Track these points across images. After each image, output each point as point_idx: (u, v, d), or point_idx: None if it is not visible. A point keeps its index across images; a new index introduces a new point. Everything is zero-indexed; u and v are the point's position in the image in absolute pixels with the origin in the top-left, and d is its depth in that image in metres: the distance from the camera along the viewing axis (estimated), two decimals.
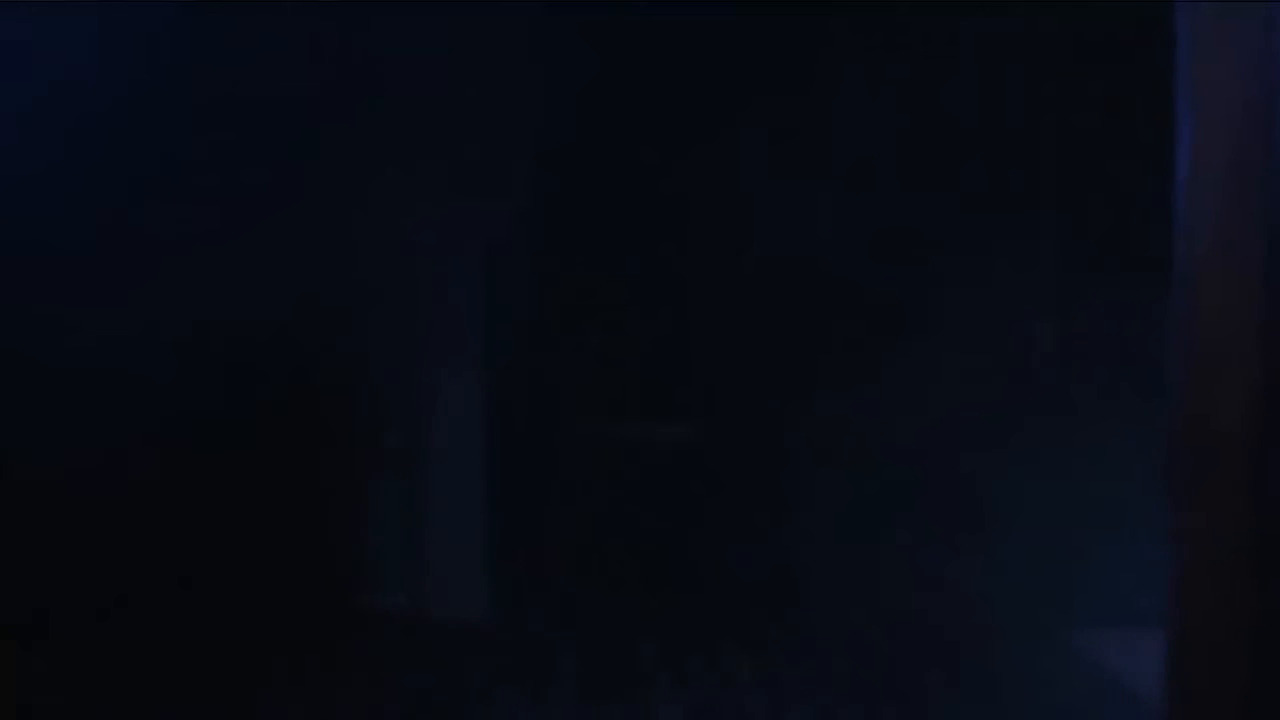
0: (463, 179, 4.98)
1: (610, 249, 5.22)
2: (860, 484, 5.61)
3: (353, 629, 4.93)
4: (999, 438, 4.23)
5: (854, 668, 4.45)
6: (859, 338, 5.61)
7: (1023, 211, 4.27)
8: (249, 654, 4.63)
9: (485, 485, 5.04)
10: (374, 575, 5.02)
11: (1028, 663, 3.98)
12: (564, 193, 5.14)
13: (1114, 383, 3.79)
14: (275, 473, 5.25)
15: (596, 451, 5.41)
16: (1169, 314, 3.03)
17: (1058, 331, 4.19)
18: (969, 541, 4.53)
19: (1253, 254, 2.95)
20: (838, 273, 5.84)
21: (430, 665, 4.52)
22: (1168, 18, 3.16)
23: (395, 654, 4.66)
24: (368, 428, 5.02)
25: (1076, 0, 3.83)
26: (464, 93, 4.98)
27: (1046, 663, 3.72)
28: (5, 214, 4.64)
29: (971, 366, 4.77)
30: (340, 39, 4.91)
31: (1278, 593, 1.65)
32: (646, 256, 5.34)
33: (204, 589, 5.11)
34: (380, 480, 5.02)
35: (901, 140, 4.77)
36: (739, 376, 8.61)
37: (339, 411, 5.05)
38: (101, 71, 4.80)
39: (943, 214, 4.46)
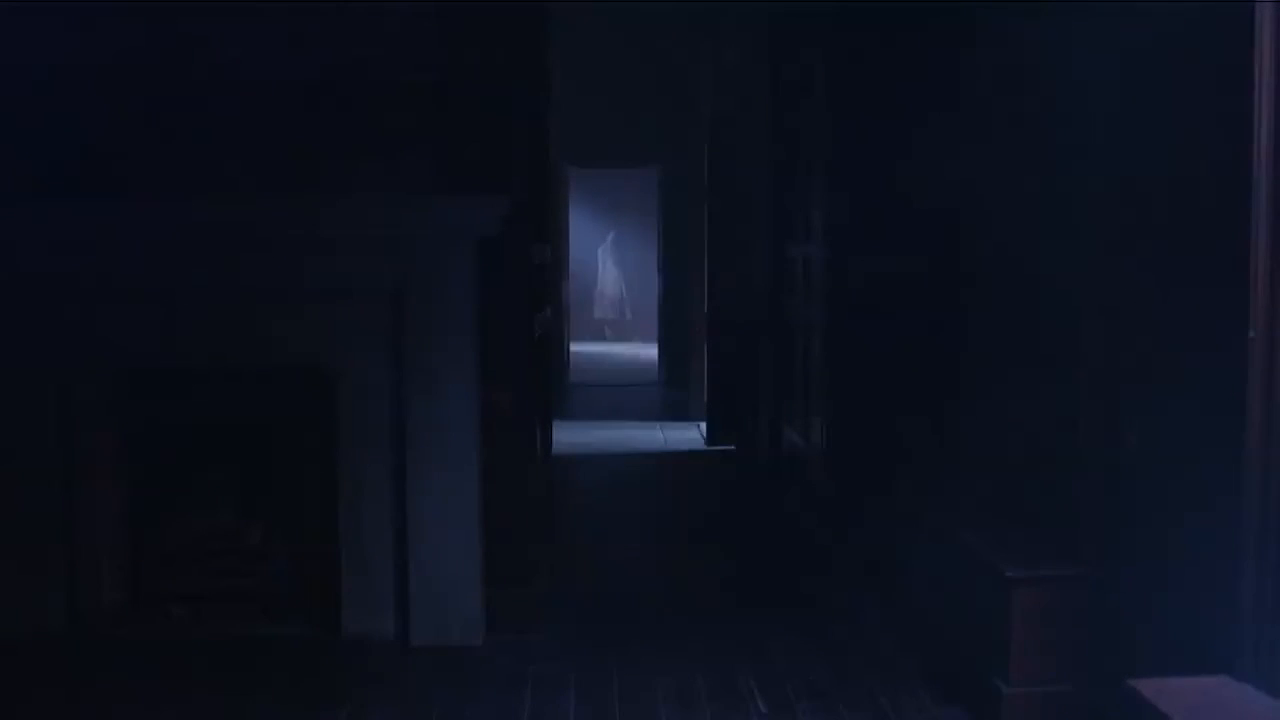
0: (456, 170, 4.71)
1: None
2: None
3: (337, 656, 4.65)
4: None
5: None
6: None
7: None
8: (223, 682, 4.39)
9: (480, 501, 4.74)
10: (358, 598, 4.73)
11: None
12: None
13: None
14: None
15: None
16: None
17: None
18: None
19: None
20: None
21: (419, 696, 4.26)
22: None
23: (382, 684, 4.38)
24: (352, 437, 4.72)
25: None
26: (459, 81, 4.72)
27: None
28: None
29: None
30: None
31: None
32: None
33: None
34: (365, 495, 4.71)
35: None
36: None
37: (319, 420, 4.77)
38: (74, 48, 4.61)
39: None
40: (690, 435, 9.64)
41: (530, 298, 5.21)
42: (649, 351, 13.95)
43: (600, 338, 17.51)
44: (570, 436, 9.09)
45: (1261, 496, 2.96)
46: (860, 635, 4.84)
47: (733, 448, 8.82)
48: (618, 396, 12.02)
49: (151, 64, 4.63)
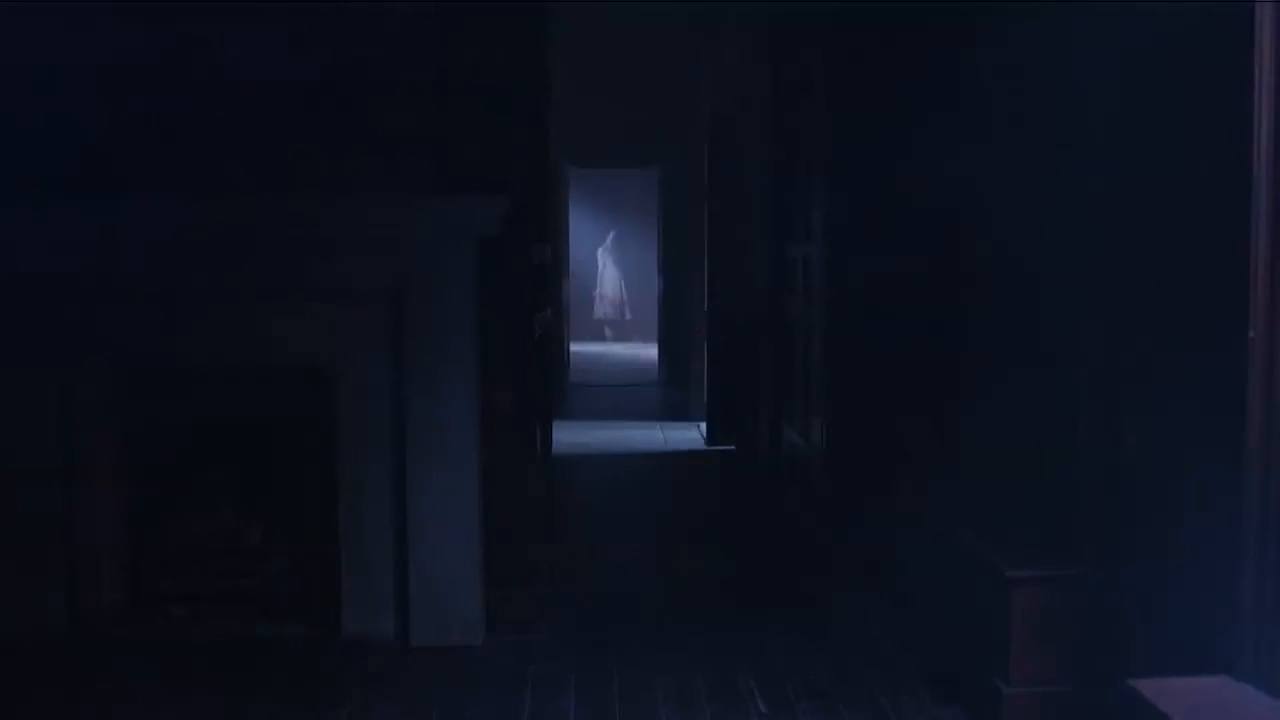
0: (456, 170, 4.70)
1: None
2: None
3: (337, 656, 4.65)
4: None
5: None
6: None
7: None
8: (223, 682, 4.38)
9: (480, 501, 4.73)
10: (358, 598, 4.72)
11: None
12: None
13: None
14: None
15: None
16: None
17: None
18: None
19: None
20: None
21: (419, 696, 4.25)
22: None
23: (382, 684, 4.38)
24: (352, 437, 4.71)
25: None
26: (459, 81, 4.71)
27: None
28: None
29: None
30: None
31: None
32: None
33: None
34: (365, 495, 4.70)
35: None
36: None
37: (319, 420, 4.76)
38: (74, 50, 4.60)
39: None
40: (690, 435, 9.64)
41: (530, 298, 5.20)
42: (649, 351, 13.95)
43: (600, 338, 17.51)
44: (570, 436, 9.08)
45: (1261, 496, 2.96)
46: (860, 635, 4.84)
47: (733, 448, 8.82)
48: (618, 396, 12.02)
49: (151, 64, 4.63)
